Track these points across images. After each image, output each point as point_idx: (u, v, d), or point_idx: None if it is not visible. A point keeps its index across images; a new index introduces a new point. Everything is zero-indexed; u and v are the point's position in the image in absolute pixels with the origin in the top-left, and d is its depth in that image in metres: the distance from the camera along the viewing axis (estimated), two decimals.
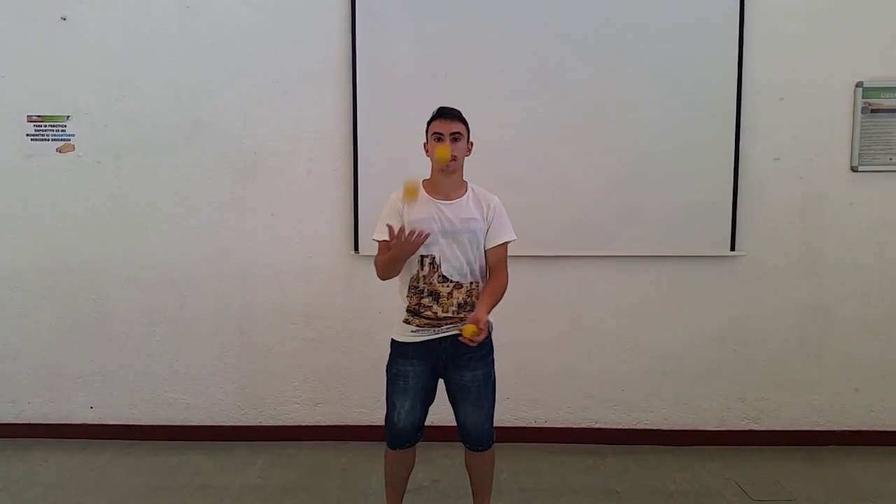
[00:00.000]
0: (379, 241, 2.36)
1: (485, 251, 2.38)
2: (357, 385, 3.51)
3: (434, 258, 2.31)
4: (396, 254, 2.24)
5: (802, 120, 3.37)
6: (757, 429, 3.51)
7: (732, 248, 3.40)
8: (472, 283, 2.36)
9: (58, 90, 3.42)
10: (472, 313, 2.21)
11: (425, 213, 2.32)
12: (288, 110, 3.41)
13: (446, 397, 2.44)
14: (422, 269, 2.32)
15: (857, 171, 3.38)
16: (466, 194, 2.39)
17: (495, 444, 2.46)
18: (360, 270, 3.42)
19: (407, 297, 2.36)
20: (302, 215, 3.46)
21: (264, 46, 3.39)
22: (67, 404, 3.56)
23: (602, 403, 3.53)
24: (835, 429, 3.50)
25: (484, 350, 2.39)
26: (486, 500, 2.52)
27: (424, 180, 2.40)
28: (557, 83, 3.35)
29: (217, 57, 3.40)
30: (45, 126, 3.43)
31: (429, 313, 2.33)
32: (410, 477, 2.53)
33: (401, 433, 2.39)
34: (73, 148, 3.45)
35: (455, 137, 2.32)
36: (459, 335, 2.17)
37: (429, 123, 2.37)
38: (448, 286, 2.33)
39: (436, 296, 2.33)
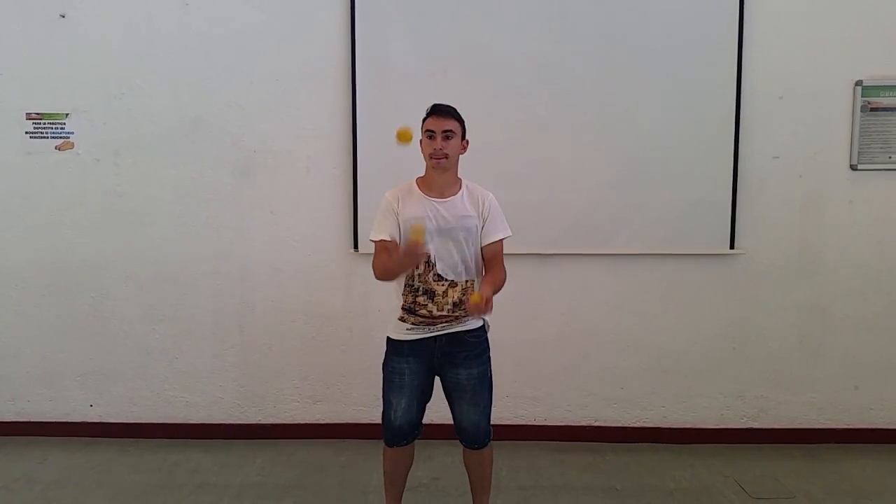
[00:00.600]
0: (375, 242, 2.36)
1: (481, 248, 2.38)
2: (356, 383, 3.51)
3: (429, 256, 2.30)
4: (396, 270, 2.26)
5: (802, 118, 3.37)
6: (756, 427, 3.51)
7: (732, 247, 3.40)
8: (467, 282, 2.35)
9: (57, 87, 3.41)
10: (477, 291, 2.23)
11: (420, 211, 2.32)
12: (287, 108, 3.40)
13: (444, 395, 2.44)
14: (417, 268, 2.32)
15: (856, 169, 3.39)
16: (461, 191, 2.38)
17: (494, 442, 2.46)
18: (360, 268, 3.42)
19: (402, 295, 2.36)
20: (301, 213, 3.46)
21: (264, 44, 3.39)
22: (67, 402, 3.56)
23: (601, 401, 3.53)
24: (834, 427, 3.50)
25: (479, 348, 2.40)
26: (485, 498, 2.52)
27: (419, 178, 2.40)
28: (557, 81, 3.34)
29: (216, 55, 3.39)
30: (44, 123, 3.43)
31: (424, 312, 2.33)
32: (410, 474, 2.53)
33: (397, 430, 2.40)
34: (72, 145, 3.45)
35: (447, 136, 2.30)
36: (455, 333, 2.17)
37: (423, 121, 2.36)
38: (443, 285, 2.33)
39: (431, 294, 2.33)
